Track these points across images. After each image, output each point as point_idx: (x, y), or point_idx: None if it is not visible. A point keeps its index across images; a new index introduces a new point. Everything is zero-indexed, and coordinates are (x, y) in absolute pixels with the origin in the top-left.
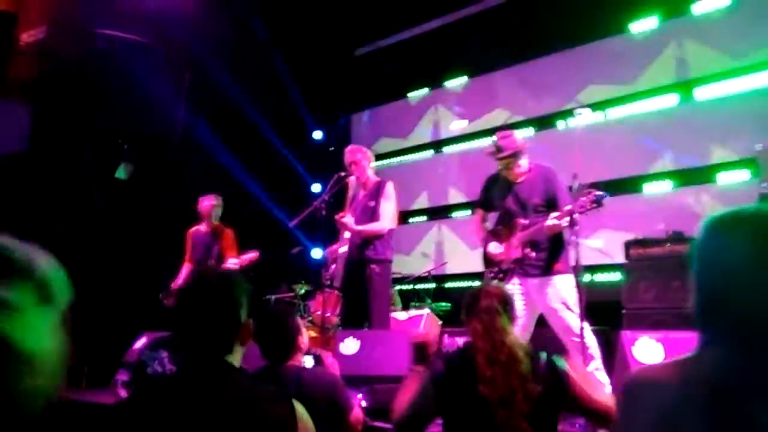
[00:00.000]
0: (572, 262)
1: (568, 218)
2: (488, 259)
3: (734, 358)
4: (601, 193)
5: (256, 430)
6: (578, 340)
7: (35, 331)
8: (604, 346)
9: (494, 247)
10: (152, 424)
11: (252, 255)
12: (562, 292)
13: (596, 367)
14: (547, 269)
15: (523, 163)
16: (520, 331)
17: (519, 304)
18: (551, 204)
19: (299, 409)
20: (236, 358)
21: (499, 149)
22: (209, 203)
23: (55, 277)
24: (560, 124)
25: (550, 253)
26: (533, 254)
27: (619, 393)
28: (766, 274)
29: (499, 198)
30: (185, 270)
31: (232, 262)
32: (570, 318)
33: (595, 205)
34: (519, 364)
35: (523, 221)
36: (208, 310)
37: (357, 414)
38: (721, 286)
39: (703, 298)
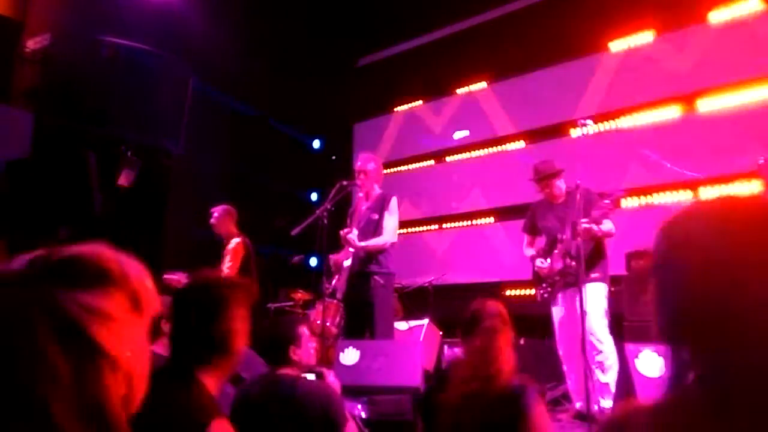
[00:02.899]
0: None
1: (595, 225)
2: (537, 276)
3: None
4: (611, 198)
5: None
6: (601, 346)
7: (126, 339)
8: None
9: (540, 262)
10: None
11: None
12: (594, 299)
13: (614, 379)
14: (585, 278)
15: (561, 184)
16: (564, 340)
17: (558, 316)
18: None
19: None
20: (212, 372)
21: (536, 173)
22: (214, 214)
23: (146, 287)
24: (563, 135)
25: (586, 262)
26: (573, 263)
27: None
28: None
29: (541, 220)
30: None
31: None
32: (596, 324)
33: (613, 206)
34: (498, 381)
35: (560, 236)
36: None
37: (351, 430)
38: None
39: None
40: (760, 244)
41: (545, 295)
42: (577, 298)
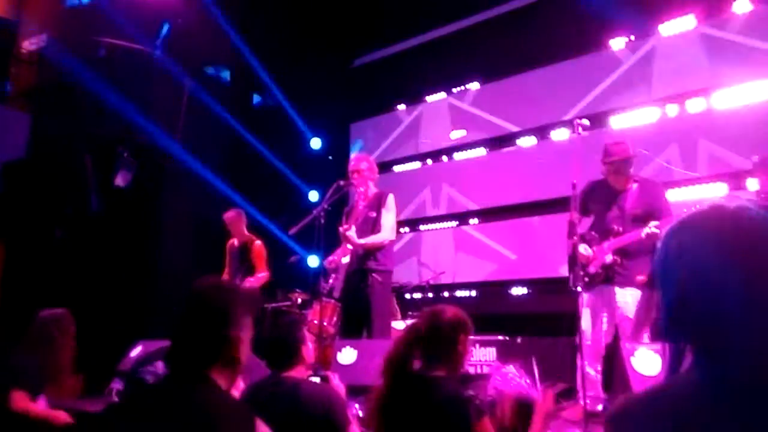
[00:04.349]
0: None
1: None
2: (575, 262)
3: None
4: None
5: None
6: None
7: None
8: (613, 354)
9: (584, 249)
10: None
11: (263, 275)
12: (640, 305)
13: None
14: (631, 279)
15: (630, 172)
16: (594, 338)
17: (592, 313)
18: (651, 216)
19: (262, 429)
20: (222, 378)
21: (607, 153)
22: (227, 217)
23: None
24: (560, 135)
25: (638, 264)
26: (625, 263)
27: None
28: (730, 270)
29: (598, 204)
30: None
31: (250, 281)
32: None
33: None
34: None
35: (617, 228)
36: (191, 324)
37: None
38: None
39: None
40: (738, 252)
41: (578, 283)
42: (629, 301)
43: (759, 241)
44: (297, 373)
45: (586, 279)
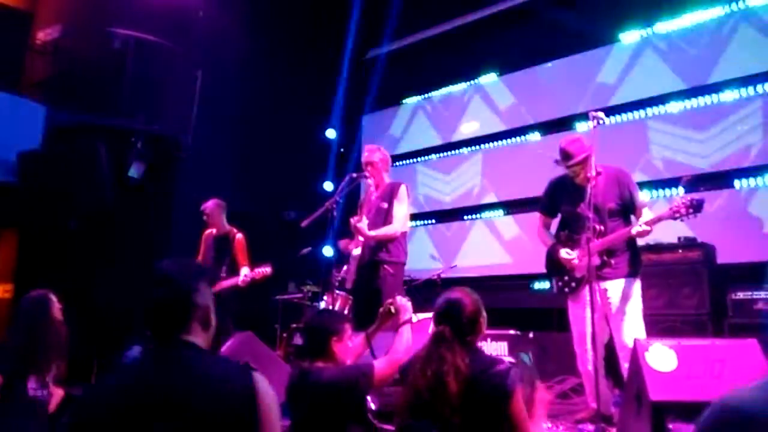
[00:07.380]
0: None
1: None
2: (558, 267)
3: None
4: (700, 197)
5: (212, 406)
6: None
7: None
8: (613, 352)
9: (568, 254)
10: (113, 405)
11: (265, 269)
12: (633, 297)
13: None
14: (621, 273)
15: (592, 166)
16: (592, 338)
17: (587, 313)
18: (627, 207)
19: (261, 385)
20: (199, 339)
21: (568, 156)
22: (205, 207)
23: None
24: (575, 127)
25: (625, 257)
26: (612, 261)
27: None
28: None
29: (568, 203)
30: None
31: (244, 275)
32: (637, 327)
33: (692, 211)
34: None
35: (599, 227)
36: (161, 298)
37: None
38: None
39: None
40: None
41: (565, 289)
42: (621, 294)
43: None
44: (327, 365)
45: (573, 284)
